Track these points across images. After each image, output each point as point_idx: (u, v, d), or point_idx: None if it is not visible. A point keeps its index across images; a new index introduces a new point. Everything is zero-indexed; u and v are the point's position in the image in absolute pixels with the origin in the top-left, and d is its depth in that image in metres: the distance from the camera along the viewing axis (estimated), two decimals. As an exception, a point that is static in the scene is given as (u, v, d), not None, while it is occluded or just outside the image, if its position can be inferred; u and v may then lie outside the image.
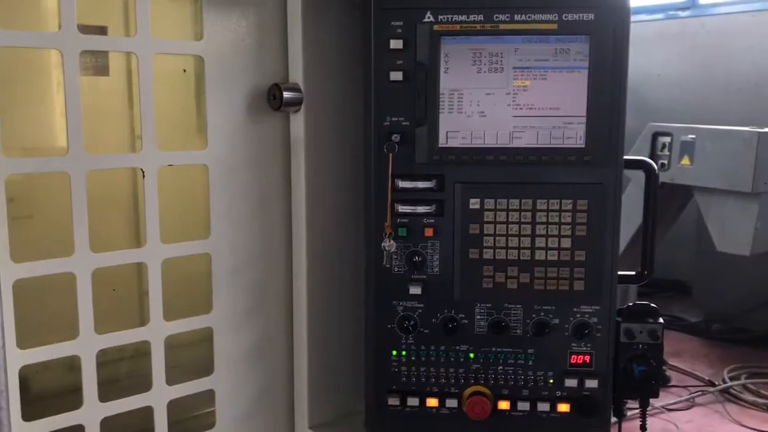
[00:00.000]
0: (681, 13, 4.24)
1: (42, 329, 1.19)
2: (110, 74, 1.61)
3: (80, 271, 1.18)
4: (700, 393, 3.01)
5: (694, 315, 3.92)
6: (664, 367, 3.10)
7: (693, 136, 2.80)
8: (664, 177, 2.94)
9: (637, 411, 1.39)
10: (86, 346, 1.20)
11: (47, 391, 1.46)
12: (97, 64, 1.58)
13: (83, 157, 1.16)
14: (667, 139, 2.90)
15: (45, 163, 1.17)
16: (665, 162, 2.90)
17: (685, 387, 3.07)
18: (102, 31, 1.53)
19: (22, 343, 1.14)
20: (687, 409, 2.90)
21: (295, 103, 1.35)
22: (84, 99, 1.15)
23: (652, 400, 1.39)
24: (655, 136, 2.94)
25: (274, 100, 1.35)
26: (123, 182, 1.60)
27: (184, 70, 1.43)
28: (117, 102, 1.60)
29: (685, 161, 2.82)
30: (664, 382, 3.04)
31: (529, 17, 1.25)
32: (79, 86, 1.14)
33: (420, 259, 1.31)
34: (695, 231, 3.52)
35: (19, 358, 1.14)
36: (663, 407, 2.81)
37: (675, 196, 3.03)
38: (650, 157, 2.98)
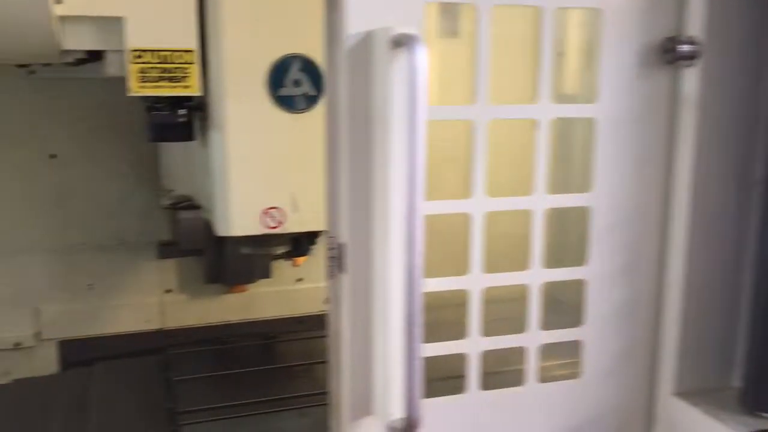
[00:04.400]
0: None
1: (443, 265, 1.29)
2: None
3: (475, 212, 1.27)
4: None
5: None
6: None
7: None
8: None
9: None
10: (474, 283, 1.30)
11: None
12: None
13: (485, 108, 1.24)
14: None
15: (454, 111, 1.27)
16: None
17: None
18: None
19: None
20: None
21: (691, 57, 1.29)
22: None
23: None
24: None
25: (666, 53, 1.30)
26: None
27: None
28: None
29: None
30: None
31: None
32: (489, 42, 1.22)
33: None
34: None
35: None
36: None
37: None
38: None
